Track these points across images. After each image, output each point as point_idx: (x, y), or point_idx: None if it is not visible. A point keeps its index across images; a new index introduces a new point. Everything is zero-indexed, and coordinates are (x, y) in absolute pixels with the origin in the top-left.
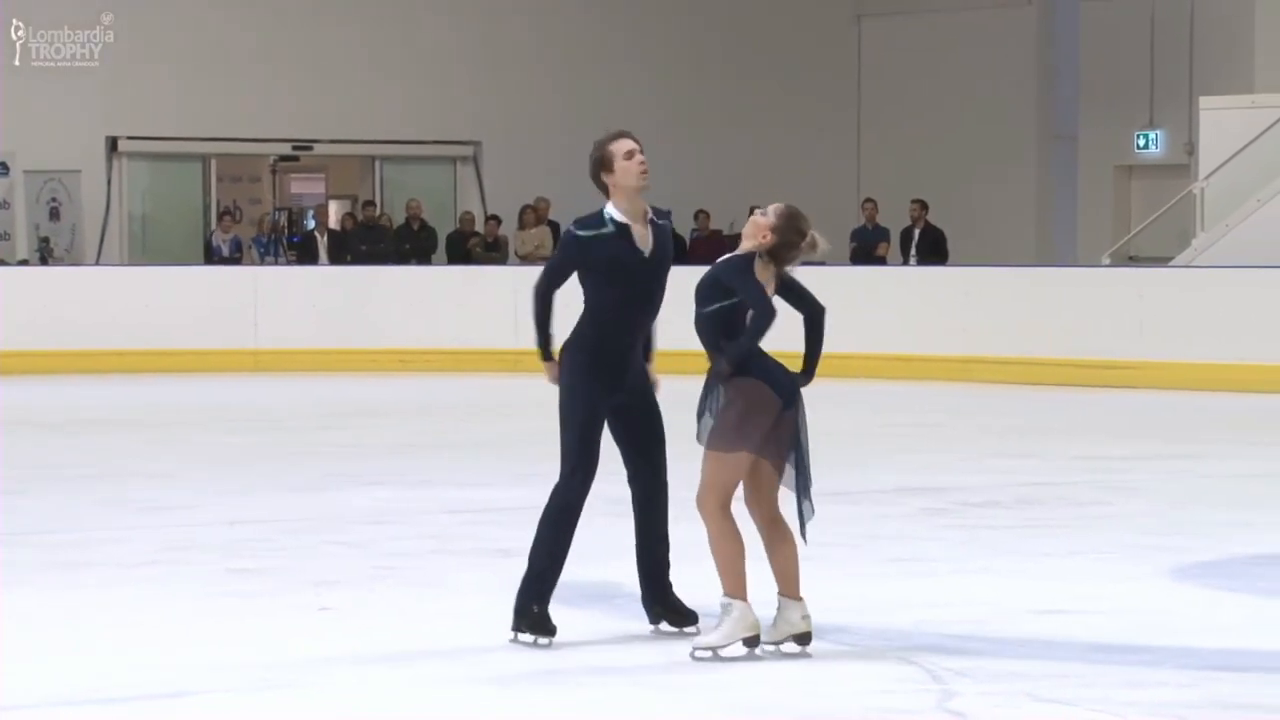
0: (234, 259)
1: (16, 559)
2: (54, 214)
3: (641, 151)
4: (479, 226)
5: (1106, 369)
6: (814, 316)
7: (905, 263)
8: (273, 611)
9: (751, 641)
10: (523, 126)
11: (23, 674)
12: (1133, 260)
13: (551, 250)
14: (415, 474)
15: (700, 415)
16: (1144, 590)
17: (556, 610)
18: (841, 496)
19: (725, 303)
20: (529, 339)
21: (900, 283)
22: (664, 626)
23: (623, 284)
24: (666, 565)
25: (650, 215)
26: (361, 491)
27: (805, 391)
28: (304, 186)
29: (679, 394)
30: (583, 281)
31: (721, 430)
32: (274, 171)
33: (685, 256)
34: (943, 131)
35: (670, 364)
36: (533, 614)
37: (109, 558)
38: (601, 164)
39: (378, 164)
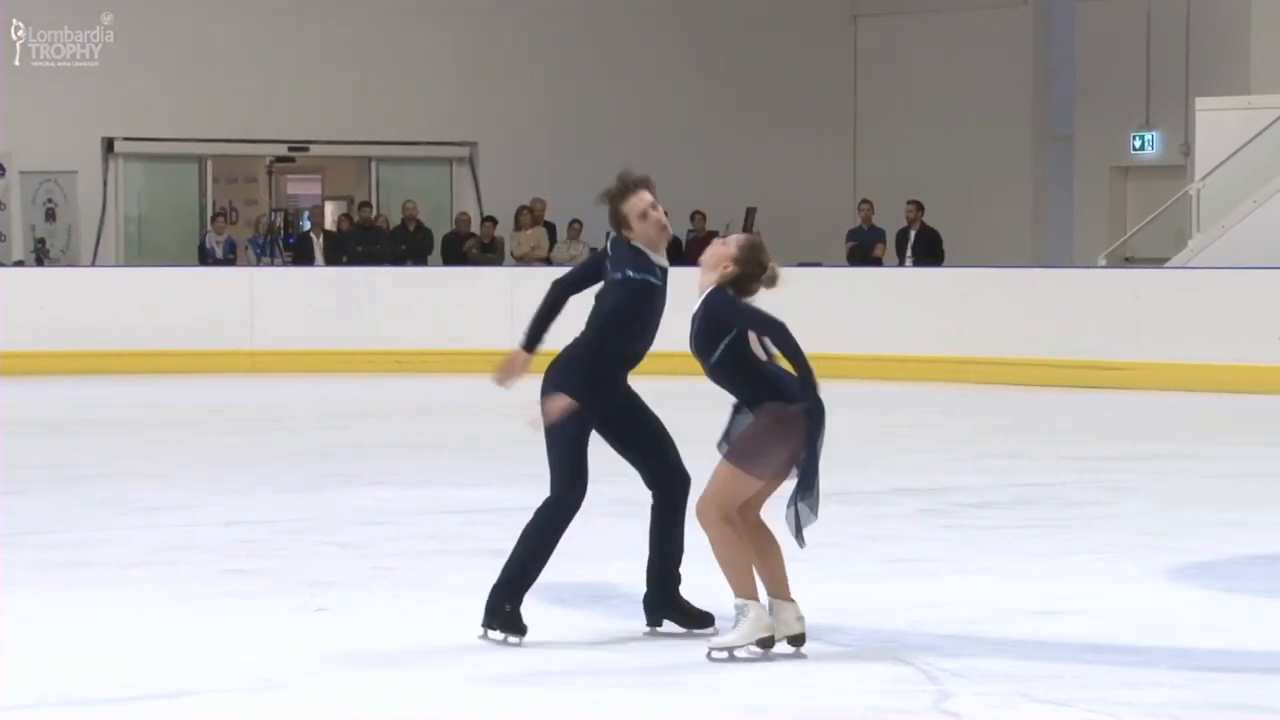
0: (228, 260)
1: (14, 559)
2: (50, 215)
3: (655, 204)
4: (475, 228)
5: (1103, 370)
6: (777, 336)
7: (901, 264)
8: (271, 612)
9: (766, 643)
10: (519, 128)
11: (22, 674)
12: (1129, 261)
13: (548, 251)
14: (413, 474)
15: (720, 444)
16: (1140, 591)
17: (556, 611)
18: (837, 497)
19: (727, 339)
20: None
21: (896, 284)
22: (670, 627)
23: (645, 319)
24: (678, 575)
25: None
26: (359, 492)
27: None
28: (300, 188)
29: (671, 395)
30: (600, 300)
31: (745, 448)
32: (270, 173)
33: (682, 257)
34: (939, 132)
35: (661, 365)
36: (504, 613)
37: (107, 558)
38: (619, 223)
39: (374, 165)
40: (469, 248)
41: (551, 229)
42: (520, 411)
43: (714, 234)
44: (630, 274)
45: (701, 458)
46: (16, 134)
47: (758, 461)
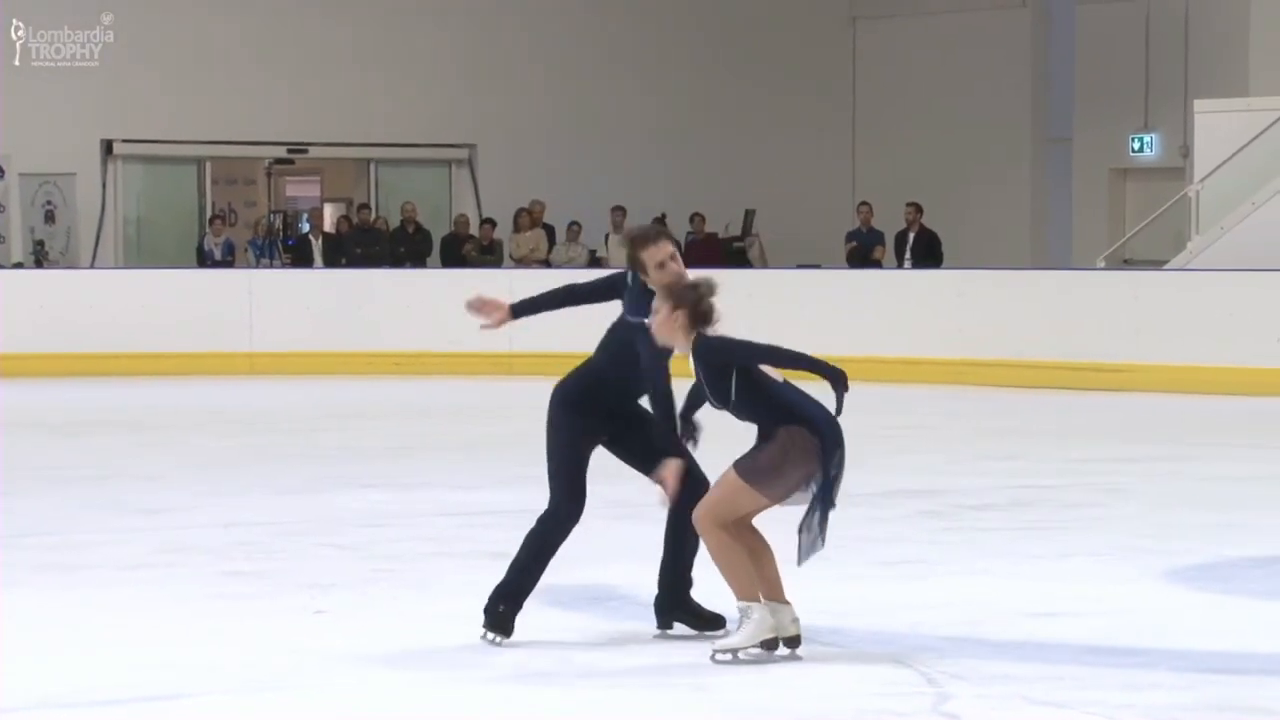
0: (227, 262)
1: (13, 560)
2: (49, 217)
3: (674, 257)
4: (474, 230)
5: (1101, 372)
6: (772, 359)
7: (900, 266)
8: (270, 613)
9: (770, 644)
10: (518, 129)
11: (21, 675)
12: (1128, 263)
13: (547, 253)
14: (411, 476)
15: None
16: (1139, 593)
17: (556, 612)
18: (837, 498)
19: (734, 374)
20: (524, 342)
21: (895, 285)
22: (680, 629)
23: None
24: (690, 579)
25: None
26: (357, 494)
27: (812, 388)
28: (299, 189)
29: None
30: (612, 332)
31: (757, 465)
32: (269, 174)
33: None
34: (938, 134)
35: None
36: (497, 613)
37: (106, 559)
38: (636, 268)
39: (373, 167)
40: (468, 250)
41: (550, 231)
42: (517, 414)
43: (713, 235)
44: (643, 320)
45: (723, 472)
46: (16, 136)
47: (771, 483)
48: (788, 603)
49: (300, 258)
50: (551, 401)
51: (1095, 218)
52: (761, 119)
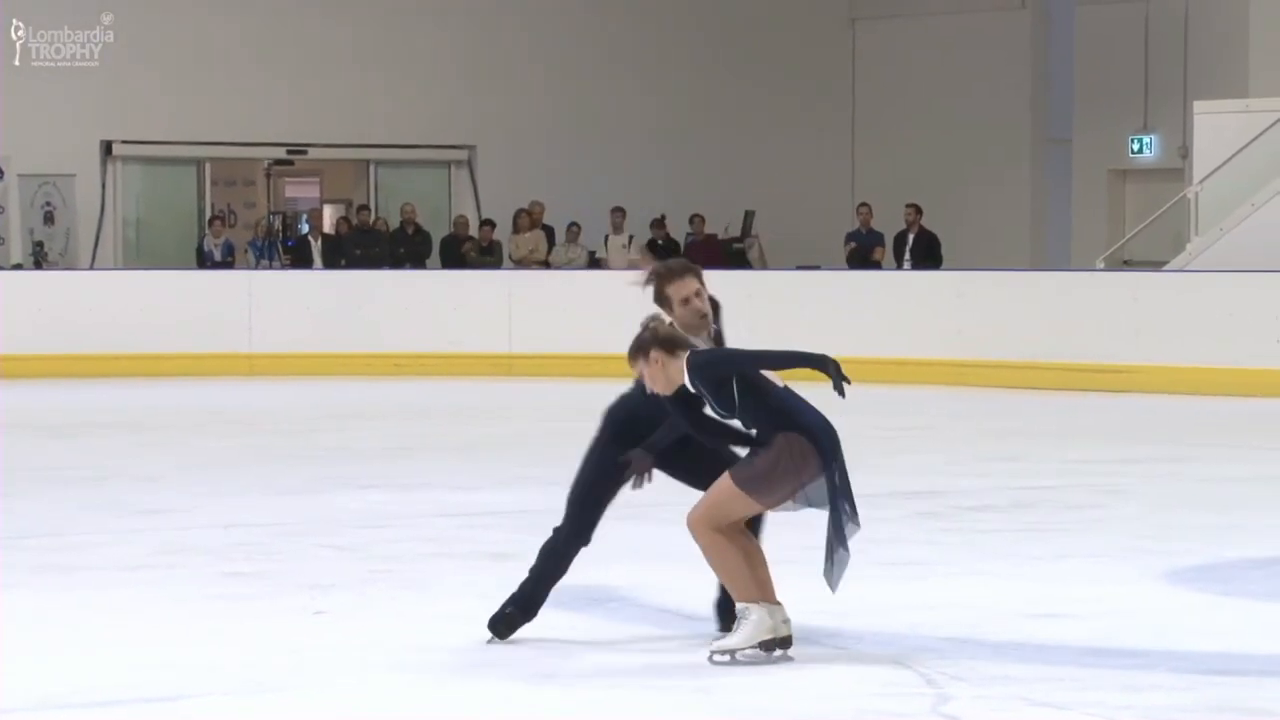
0: (226, 263)
1: (13, 562)
2: (48, 218)
3: (700, 292)
4: (473, 231)
5: (1101, 373)
6: (767, 363)
7: (900, 267)
8: (269, 614)
9: (769, 645)
10: (517, 130)
11: (21, 676)
12: (1127, 264)
13: (547, 254)
14: (410, 477)
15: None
16: (1138, 594)
17: (556, 612)
18: None
19: (733, 383)
20: (523, 343)
21: (895, 286)
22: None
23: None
24: None
25: (713, 327)
26: (357, 495)
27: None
28: (299, 190)
29: None
30: None
31: (752, 471)
32: (269, 175)
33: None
34: (937, 135)
35: None
36: (503, 613)
37: (105, 560)
38: (662, 303)
39: (372, 168)
40: (467, 251)
41: (550, 232)
42: (517, 415)
43: (712, 236)
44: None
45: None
46: (15, 137)
47: (767, 491)
48: (779, 604)
49: (300, 259)
50: (603, 419)
51: (1095, 218)
52: (761, 119)
